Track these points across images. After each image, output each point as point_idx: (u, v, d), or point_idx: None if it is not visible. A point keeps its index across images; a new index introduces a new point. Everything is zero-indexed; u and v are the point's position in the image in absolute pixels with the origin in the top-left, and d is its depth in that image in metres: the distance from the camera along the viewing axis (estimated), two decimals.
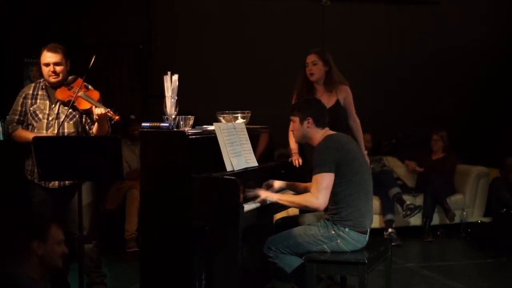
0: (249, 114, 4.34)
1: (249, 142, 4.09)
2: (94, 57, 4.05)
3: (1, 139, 5.44)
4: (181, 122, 3.75)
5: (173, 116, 3.76)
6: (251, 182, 3.97)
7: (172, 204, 3.57)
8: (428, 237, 6.44)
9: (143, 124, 3.75)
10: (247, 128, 4.14)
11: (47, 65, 4.25)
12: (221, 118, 4.25)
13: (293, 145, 4.65)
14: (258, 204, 3.70)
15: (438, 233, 6.67)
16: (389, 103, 7.60)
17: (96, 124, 4.21)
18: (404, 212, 6.27)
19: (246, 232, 3.64)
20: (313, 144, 3.83)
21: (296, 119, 3.88)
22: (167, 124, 3.70)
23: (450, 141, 7.13)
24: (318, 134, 3.81)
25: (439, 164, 6.98)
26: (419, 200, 6.62)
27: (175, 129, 3.70)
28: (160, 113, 3.81)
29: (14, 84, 6.65)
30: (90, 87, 4.33)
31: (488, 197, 6.91)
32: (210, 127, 3.96)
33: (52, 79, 4.24)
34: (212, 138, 3.78)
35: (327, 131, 3.85)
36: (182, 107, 3.85)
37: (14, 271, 2.69)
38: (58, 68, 4.24)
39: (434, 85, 7.86)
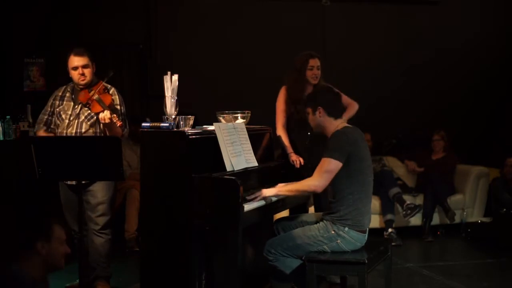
0: (249, 114, 4.34)
1: (249, 142, 4.09)
2: (112, 73, 4.46)
3: (1, 139, 5.44)
4: (181, 122, 3.76)
5: (173, 116, 3.76)
6: (251, 182, 3.98)
7: (172, 204, 3.57)
8: (428, 237, 6.44)
9: (143, 124, 3.76)
10: (247, 128, 4.14)
11: (76, 68, 4.41)
12: (221, 118, 4.25)
13: (286, 141, 4.69)
14: (258, 204, 3.69)
15: (438, 233, 6.68)
16: (389, 103, 7.60)
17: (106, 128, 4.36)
18: (404, 212, 6.27)
19: (246, 232, 3.64)
20: (327, 134, 3.82)
21: (309, 110, 3.89)
22: (167, 124, 3.70)
23: (450, 141, 7.13)
24: (332, 125, 3.80)
25: (439, 164, 6.98)
26: (419, 200, 6.62)
27: (175, 129, 3.70)
28: (160, 113, 3.81)
29: (14, 84, 6.67)
30: (111, 90, 4.49)
31: (488, 197, 6.91)
32: (210, 127, 3.96)
33: (81, 81, 4.42)
34: (212, 138, 3.78)
35: (343, 123, 3.85)
36: (182, 107, 3.86)
37: (16, 269, 2.70)
38: (86, 71, 4.42)
39: (434, 85, 7.86)
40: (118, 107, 4.47)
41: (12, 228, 2.83)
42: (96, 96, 4.35)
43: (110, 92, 4.47)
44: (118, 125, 4.24)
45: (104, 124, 4.30)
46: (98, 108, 4.33)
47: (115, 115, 4.25)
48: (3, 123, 5.45)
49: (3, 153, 5.36)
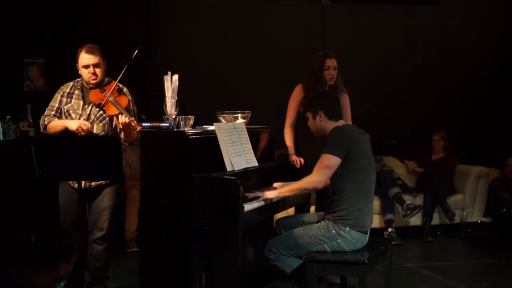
0: (249, 114, 4.34)
1: (249, 142, 4.09)
2: (136, 50, 4.13)
3: (1, 139, 5.44)
4: (181, 122, 3.76)
5: (173, 116, 3.77)
6: (251, 182, 3.98)
7: (172, 204, 3.58)
8: (428, 237, 6.44)
9: (143, 124, 3.76)
10: (247, 128, 4.14)
11: (87, 67, 4.20)
12: (221, 118, 4.25)
13: (289, 142, 4.68)
14: (258, 204, 3.69)
15: (438, 233, 6.68)
16: (389, 103, 7.60)
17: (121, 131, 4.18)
18: (404, 212, 6.27)
19: (246, 232, 3.64)
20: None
21: (309, 114, 3.90)
22: (167, 124, 3.71)
23: (450, 141, 7.13)
24: (333, 126, 3.81)
25: (439, 164, 6.98)
26: (419, 200, 6.62)
27: (175, 129, 3.71)
28: (160, 113, 3.81)
29: (14, 84, 6.67)
30: (124, 90, 4.30)
31: (488, 197, 6.91)
32: (210, 127, 3.96)
33: (92, 81, 4.21)
34: (212, 138, 3.78)
35: (342, 123, 3.86)
36: (182, 107, 3.86)
37: (20, 277, 2.70)
38: (98, 70, 4.21)
39: (434, 85, 7.87)
40: (132, 108, 4.26)
41: (42, 246, 2.83)
42: (111, 98, 4.11)
43: (124, 91, 4.28)
44: (137, 129, 3.98)
45: (122, 128, 4.10)
46: (113, 110, 4.10)
47: (133, 119, 4.03)
48: (3, 123, 5.44)
49: (3, 153, 5.36)
